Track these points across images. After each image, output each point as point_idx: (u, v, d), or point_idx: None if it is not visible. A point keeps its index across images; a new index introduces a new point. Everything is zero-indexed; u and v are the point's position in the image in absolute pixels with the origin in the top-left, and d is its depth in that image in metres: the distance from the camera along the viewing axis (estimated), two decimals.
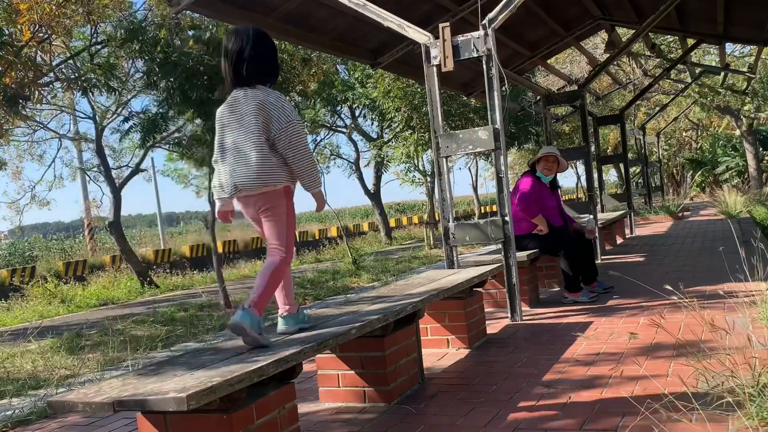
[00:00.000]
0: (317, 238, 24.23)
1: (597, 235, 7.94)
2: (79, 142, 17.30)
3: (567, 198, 32.37)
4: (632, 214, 11.80)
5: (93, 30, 10.63)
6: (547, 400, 3.09)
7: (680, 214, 14.70)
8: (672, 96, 18.85)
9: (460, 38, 4.87)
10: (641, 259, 7.99)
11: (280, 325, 2.96)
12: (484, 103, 8.26)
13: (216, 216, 3.00)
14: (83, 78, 9.13)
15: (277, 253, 2.82)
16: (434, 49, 4.94)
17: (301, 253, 18.47)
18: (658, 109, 19.33)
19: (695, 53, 15.27)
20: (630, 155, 13.62)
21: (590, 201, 8.46)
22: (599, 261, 7.87)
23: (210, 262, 14.83)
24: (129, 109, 12.92)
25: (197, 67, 8.02)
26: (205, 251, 19.41)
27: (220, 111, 2.91)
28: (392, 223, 26.93)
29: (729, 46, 16.11)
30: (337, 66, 16.88)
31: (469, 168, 26.69)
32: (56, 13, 7.55)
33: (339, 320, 3.11)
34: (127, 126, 9.81)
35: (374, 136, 20.79)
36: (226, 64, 2.89)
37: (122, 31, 8.94)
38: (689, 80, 14.88)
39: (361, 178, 21.47)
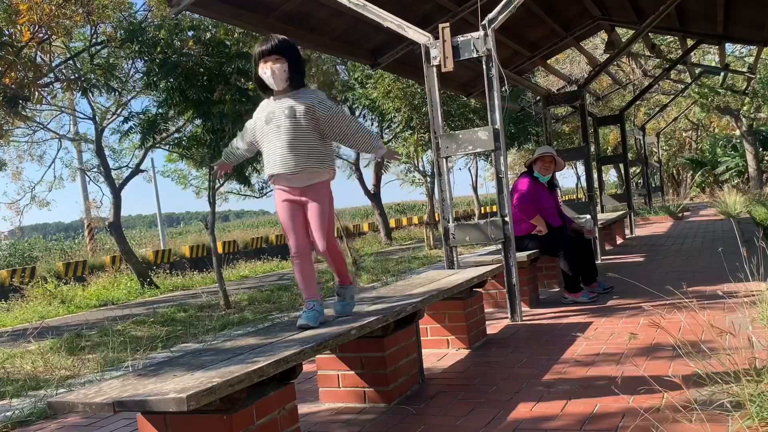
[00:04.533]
0: None
1: (597, 235, 7.94)
2: (79, 142, 17.31)
3: (567, 198, 32.38)
4: (632, 214, 11.80)
5: (93, 30, 10.64)
6: (547, 401, 3.09)
7: (680, 215, 14.70)
8: (672, 96, 18.84)
9: (460, 38, 4.87)
10: (641, 259, 7.99)
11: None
12: (483, 104, 8.26)
13: None
14: (83, 78, 9.13)
15: None
16: (434, 50, 4.94)
17: None
18: (658, 109, 19.32)
19: (695, 53, 15.27)
20: (630, 155, 13.62)
21: (590, 201, 8.47)
22: (599, 261, 7.87)
23: (210, 263, 14.84)
24: (129, 110, 12.91)
25: (197, 67, 8.02)
26: (204, 252, 19.41)
27: None
28: (392, 223, 26.93)
29: (729, 47, 16.12)
30: (337, 66, 16.88)
31: (469, 168, 26.77)
32: (56, 13, 7.56)
33: (339, 320, 3.11)
34: (126, 126, 9.81)
35: None
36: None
37: (122, 31, 8.94)
38: (689, 80, 14.88)
39: (361, 179, 21.47)
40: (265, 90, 3.17)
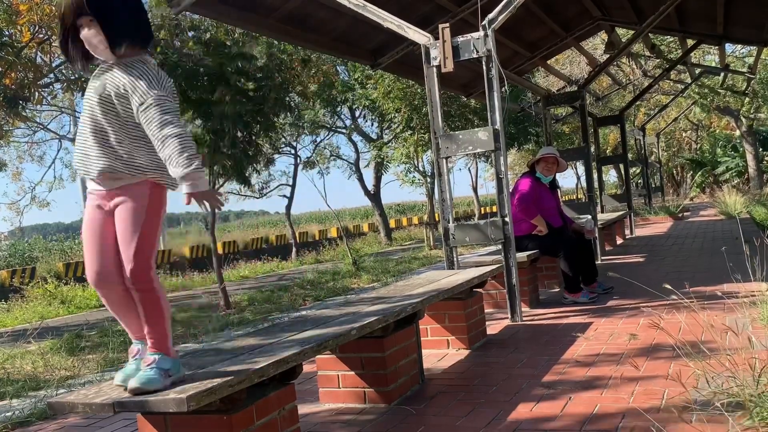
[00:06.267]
0: (317, 238, 24.24)
1: (597, 235, 7.95)
2: None
3: (567, 198, 32.37)
4: (632, 214, 11.80)
5: None
6: (547, 401, 3.09)
7: (680, 215, 14.71)
8: (672, 96, 18.85)
9: (460, 39, 4.87)
10: (641, 259, 7.99)
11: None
12: (483, 104, 8.26)
13: None
14: (83, 79, 9.13)
15: None
16: (434, 50, 4.94)
17: (302, 254, 18.48)
18: (657, 109, 19.33)
19: (695, 54, 15.28)
20: (630, 156, 13.63)
21: (590, 201, 8.47)
22: (599, 261, 7.87)
23: (210, 263, 14.83)
24: None
25: (197, 68, 8.02)
26: (204, 252, 19.41)
27: None
28: (392, 223, 26.94)
29: (729, 47, 16.13)
30: (337, 67, 16.88)
31: (469, 169, 26.76)
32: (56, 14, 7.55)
33: (339, 321, 3.11)
34: None
35: (374, 136, 20.81)
36: None
37: None
38: (689, 81, 14.89)
39: (361, 179, 21.49)
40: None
